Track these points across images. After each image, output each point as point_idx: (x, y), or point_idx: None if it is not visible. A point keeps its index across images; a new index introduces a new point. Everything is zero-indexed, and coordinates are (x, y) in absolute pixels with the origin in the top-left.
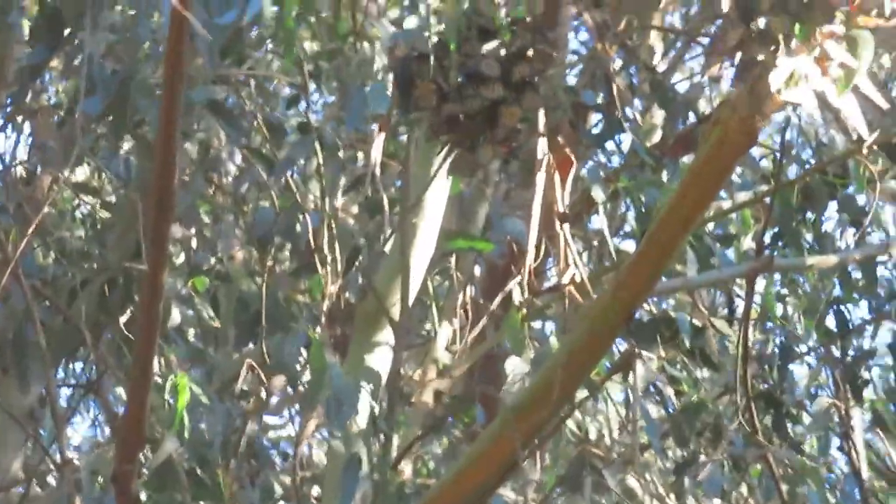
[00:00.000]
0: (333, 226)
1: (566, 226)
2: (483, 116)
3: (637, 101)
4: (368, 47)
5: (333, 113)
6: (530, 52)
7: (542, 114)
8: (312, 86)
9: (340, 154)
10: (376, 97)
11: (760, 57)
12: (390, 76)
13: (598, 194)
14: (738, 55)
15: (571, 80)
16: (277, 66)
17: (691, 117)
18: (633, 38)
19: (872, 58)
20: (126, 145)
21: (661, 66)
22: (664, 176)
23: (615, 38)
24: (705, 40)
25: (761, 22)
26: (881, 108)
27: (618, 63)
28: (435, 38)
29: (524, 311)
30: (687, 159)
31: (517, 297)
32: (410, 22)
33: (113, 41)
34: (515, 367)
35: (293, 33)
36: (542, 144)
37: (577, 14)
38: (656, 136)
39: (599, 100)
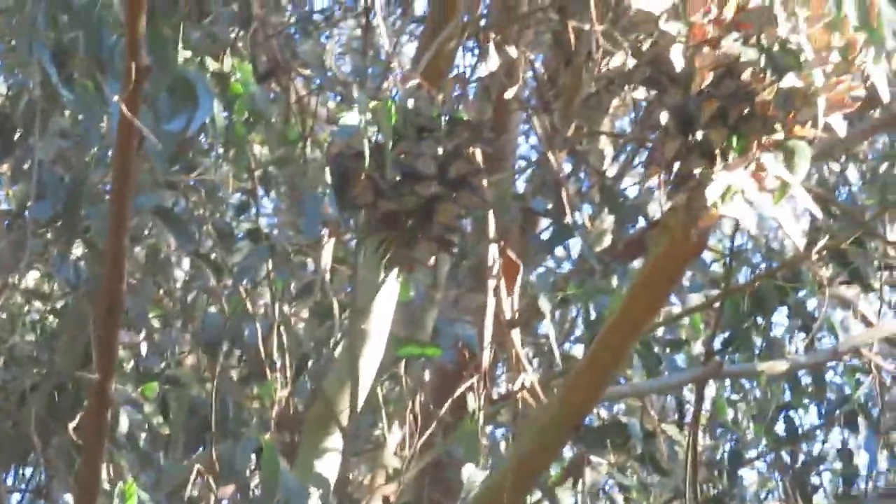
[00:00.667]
0: (283, 331)
1: (516, 331)
2: (419, 213)
3: (587, 206)
4: (319, 152)
5: (286, 219)
6: (468, 151)
7: (491, 219)
8: (262, 191)
9: (291, 260)
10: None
11: (697, 170)
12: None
13: (544, 304)
14: (676, 167)
15: (521, 185)
16: (227, 170)
17: (641, 221)
18: (582, 142)
19: (809, 168)
20: (76, 250)
21: (612, 171)
22: (614, 280)
23: (565, 142)
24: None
25: (699, 133)
26: (818, 217)
27: (568, 167)
28: (372, 136)
29: (478, 418)
30: (637, 263)
31: (471, 404)
32: (348, 119)
33: (62, 146)
34: (471, 474)
35: (243, 140)
36: (493, 250)
37: (527, 119)
38: (606, 240)
39: (549, 206)
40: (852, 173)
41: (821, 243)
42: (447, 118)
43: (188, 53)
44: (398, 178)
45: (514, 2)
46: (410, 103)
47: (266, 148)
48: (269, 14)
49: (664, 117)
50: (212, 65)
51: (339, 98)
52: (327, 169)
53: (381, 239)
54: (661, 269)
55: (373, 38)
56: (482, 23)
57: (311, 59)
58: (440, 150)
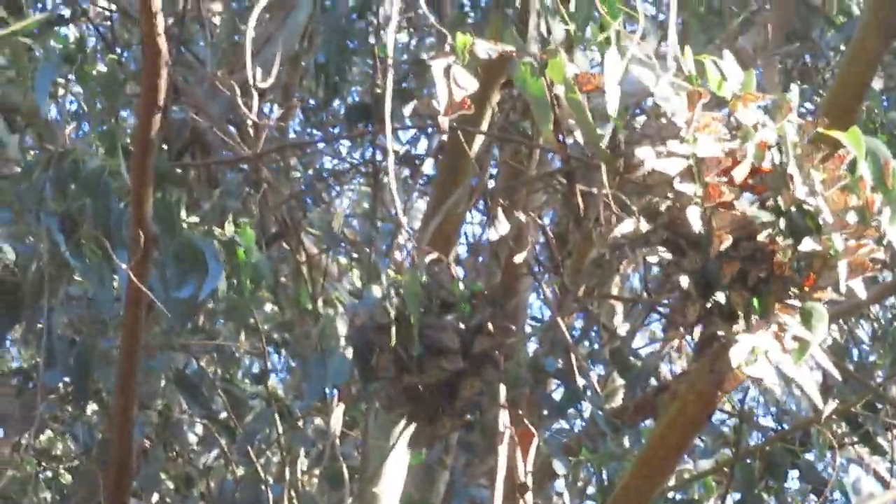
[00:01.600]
0: (294, 496)
1: (528, 495)
2: (442, 388)
3: (598, 367)
4: (330, 312)
5: (294, 383)
6: (490, 326)
7: (502, 386)
8: (273, 353)
9: (301, 424)
10: (337, 369)
11: (720, 332)
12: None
13: (559, 467)
14: (698, 330)
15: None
16: (238, 333)
17: (652, 381)
18: (593, 303)
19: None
20: (89, 409)
21: (623, 329)
22: (625, 441)
23: (575, 305)
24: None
25: (720, 295)
26: (836, 377)
27: (579, 325)
28: (395, 310)
29: None
30: (649, 422)
31: None
32: (371, 292)
33: (72, 312)
34: None
35: (247, 306)
36: (504, 416)
37: (536, 282)
38: (618, 398)
39: (559, 366)
40: (863, 331)
41: (831, 406)
42: (468, 293)
43: (195, 219)
44: (421, 353)
45: (521, 166)
46: (431, 276)
47: (275, 309)
48: (279, 177)
49: (685, 281)
50: (218, 231)
51: (352, 257)
52: (343, 339)
53: (403, 414)
54: (671, 435)
55: (383, 198)
56: (490, 186)
57: (320, 221)
58: (462, 325)
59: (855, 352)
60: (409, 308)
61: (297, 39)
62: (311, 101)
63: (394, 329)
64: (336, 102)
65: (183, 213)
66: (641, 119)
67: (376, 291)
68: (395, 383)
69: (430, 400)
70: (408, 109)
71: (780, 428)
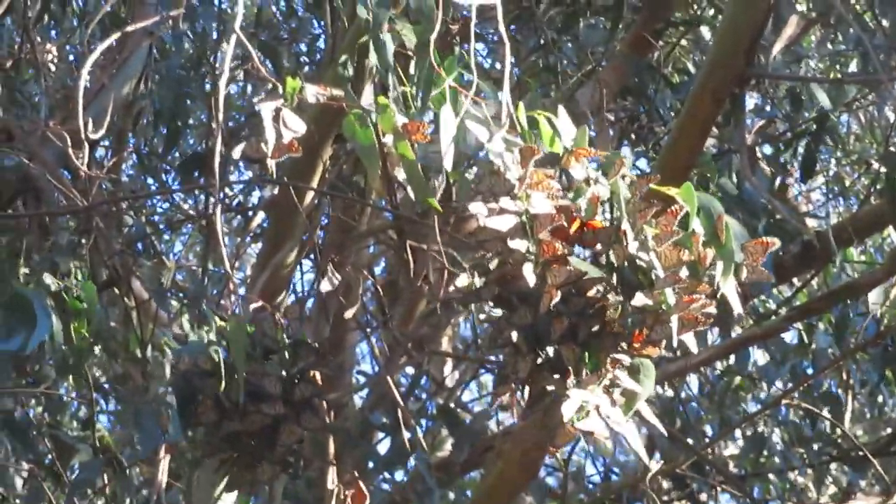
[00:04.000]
0: None
1: None
2: (263, 435)
3: (426, 421)
4: (159, 358)
5: (124, 433)
6: (312, 374)
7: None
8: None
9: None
10: (174, 423)
11: (550, 387)
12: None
13: None
14: (528, 386)
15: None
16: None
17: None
18: (422, 356)
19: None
20: None
21: (451, 381)
22: (451, 496)
23: (405, 355)
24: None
25: (550, 351)
26: (663, 433)
27: (408, 376)
28: (218, 356)
29: None
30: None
31: None
32: (196, 338)
33: None
34: None
35: (82, 357)
36: (332, 473)
37: (365, 338)
38: (446, 448)
39: (385, 420)
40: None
41: (656, 467)
42: (291, 340)
43: (26, 270)
44: (243, 399)
45: (352, 220)
46: (255, 323)
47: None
48: (111, 225)
49: (515, 337)
50: (50, 281)
51: (183, 303)
52: (170, 386)
53: (223, 459)
54: (497, 492)
55: (215, 246)
56: (319, 241)
57: (150, 272)
58: (284, 372)
59: (684, 409)
60: (234, 355)
61: (132, 87)
62: (146, 148)
63: (220, 375)
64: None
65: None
66: (474, 172)
67: (201, 337)
68: (216, 429)
69: (251, 446)
70: (236, 152)
71: (606, 482)
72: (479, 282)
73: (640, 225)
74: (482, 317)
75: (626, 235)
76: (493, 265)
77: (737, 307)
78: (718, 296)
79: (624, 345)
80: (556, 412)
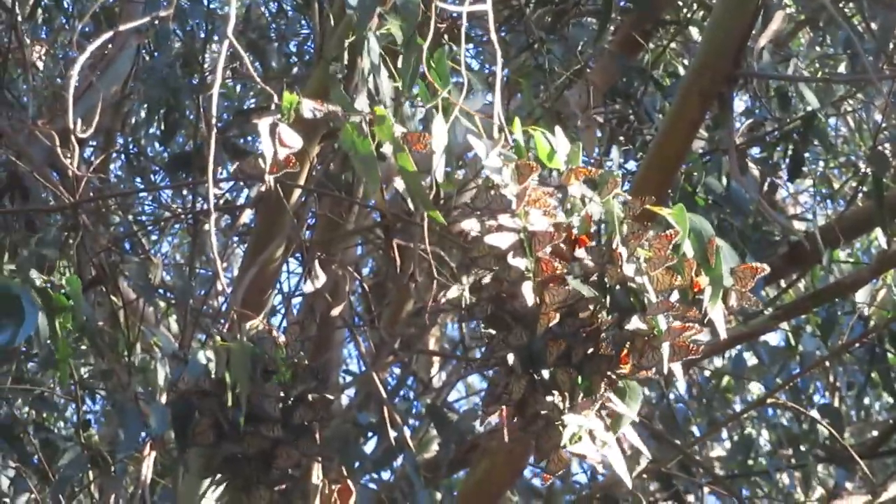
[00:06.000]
0: None
1: None
2: (260, 458)
3: (414, 421)
4: (148, 359)
5: (110, 431)
6: (311, 397)
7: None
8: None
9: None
10: (156, 420)
11: (544, 411)
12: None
13: None
14: (522, 407)
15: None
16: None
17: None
18: (409, 360)
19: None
20: None
21: (438, 381)
22: (438, 495)
23: (392, 355)
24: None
25: (545, 373)
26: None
27: (395, 375)
28: (219, 376)
29: None
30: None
31: None
32: (197, 357)
33: None
34: None
35: (67, 353)
36: (318, 469)
37: (351, 336)
38: (433, 447)
39: (373, 420)
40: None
41: (643, 465)
42: (291, 362)
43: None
44: (241, 420)
45: (340, 219)
46: (256, 343)
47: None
48: (98, 222)
49: (510, 357)
50: (36, 276)
51: (169, 302)
52: (161, 378)
53: (219, 482)
54: (483, 491)
55: (202, 245)
56: (306, 239)
57: (137, 270)
58: (283, 394)
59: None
60: (237, 376)
61: (120, 86)
62: (134, 147)
63: (222, 395)
64: (159, 147)
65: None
66: (462, 175)
67: (202, 357)
68: (213, 450)
69: (247, 469)
70: (233, 168)
71: (593, 481)
72: (471, 298)
73: (633, 247)
74: (476, 334)
75: (621, 257)
76: (485, 282)
77: (722, 332)
78: (706, 321)
79: (616, 369)
80: (549, 435)
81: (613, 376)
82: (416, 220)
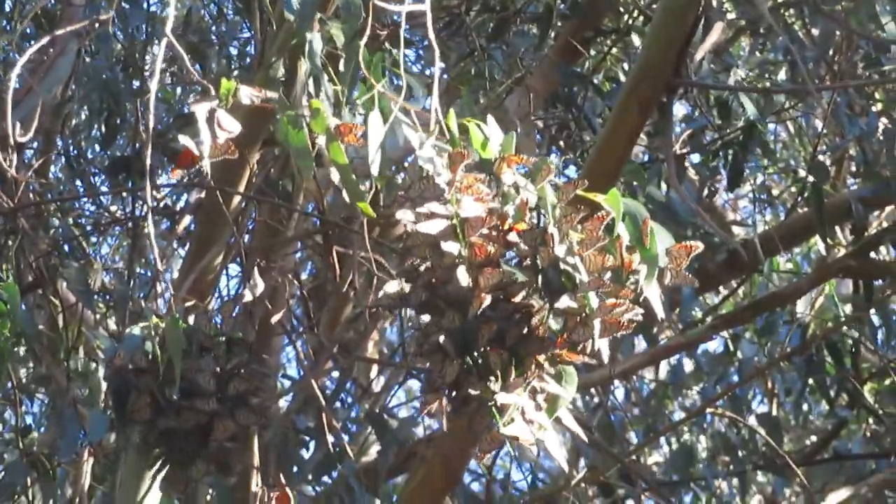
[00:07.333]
0: None
1: None
2: (197, 432)
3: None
4: (91, 364)
5: (49, 436)
6: (245, 370)
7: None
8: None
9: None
10: (94, 426)
11: (476, 392)
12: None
13: None
14: (455, 390)
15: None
16: None
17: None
18: (348, 365)
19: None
20: None
21: (377, 386)
22: (377, 501)
23: (331, 360)
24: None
25: (478, 355)
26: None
27: (334, 380)
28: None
29: None
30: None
31: None
32: (133, 331)
33: None
34: None
35: (5, 357)
36: (256, 476)
37: (290, 342)
38: (372, 452)
39: (311, 424)
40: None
41: (580, 475)
42: (225, 337)
43: None
44: (178, 396)
45: (279, 225)
46: (190, 320)
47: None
48: (37, 226)
49: (442, 340)
50: None
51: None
52: (104, 383)
53: (157, 456)
54: (420, 498)
55: (141, 249)
56: (246, 245)
57: (77, 274)
58: (218, 368)
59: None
60: (170, 351)
61: (60, 89)
62: (74, 151)
63: (157, 371)
64: (99, 150)
65: None
66: (402, 177)
67: (136, 333)
68: (151, 426)
69: (185, 443)
70: (172, 155)
71: (533, 488)
72: (406, 287)
73: (566, 229)
74: (410, 323)
75: (553, 239)
76: (421, 270)
77: (660, 312)
78: (642, 300)
79: (549, 349)
80: (481, 417)
81: (547, 358)
82: (354, 224)
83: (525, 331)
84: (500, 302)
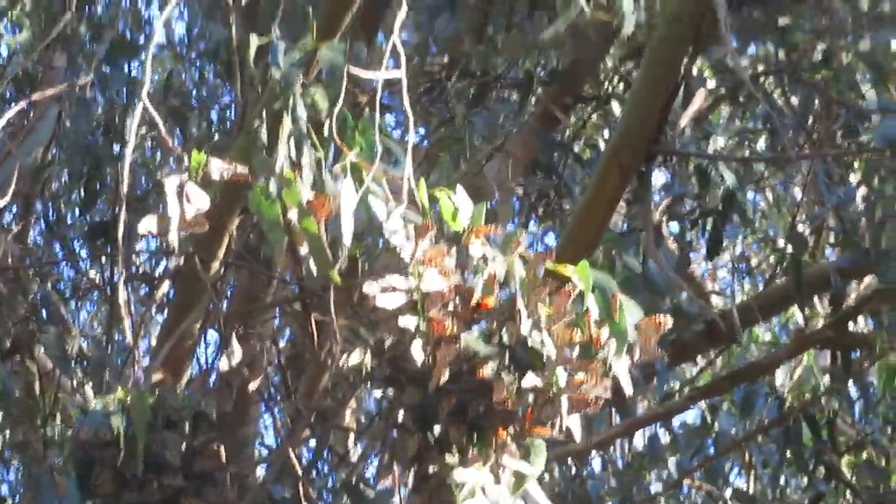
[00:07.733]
0: None
1: None
2: None
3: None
4: (64, 429)
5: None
6: (214, 447)
7: None
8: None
9: None
10: (70, 494)
11: (436, 467)
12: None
13: None
14: (416, 466)
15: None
16: None
17: None
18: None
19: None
20: None
21: (354, 455)
22: None
23: (308, 428)
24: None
25: (438, 430)
26: None
27: (311, 449)
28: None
29: None
30: None
31: None
32: (97, 406)
33: None
34: None
35: None
36: None
37: (268, 410)
38: None
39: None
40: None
41: None
42: (193, 413)
43: None
44: (143, 470)
45: (257, 292)
46: (158, 394)
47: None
48: (15, 291)
49: (403, 416)
50: None
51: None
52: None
53: None
54: None
55: (119, 314)
56: (225, 311)
57: (54, 340)
58: (184, 444)
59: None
60: (136, 425)
61: (40, 152)
62: (53, 215)
63: (120, 445)
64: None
65: None
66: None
67: (101, 407)
68: (116, 499)
69: None
70: (142, 226)
71: None
72: (372, 362)
73: (534, 304)
74: (378, 395)
75: (521, 315)
76: (387, 344)
77: (628, 388)
78: (611, 375)
79: (514, 425)
80: (442, 493)
81: (511, 433)
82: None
83: (486, 406)
84: (462, 376)
